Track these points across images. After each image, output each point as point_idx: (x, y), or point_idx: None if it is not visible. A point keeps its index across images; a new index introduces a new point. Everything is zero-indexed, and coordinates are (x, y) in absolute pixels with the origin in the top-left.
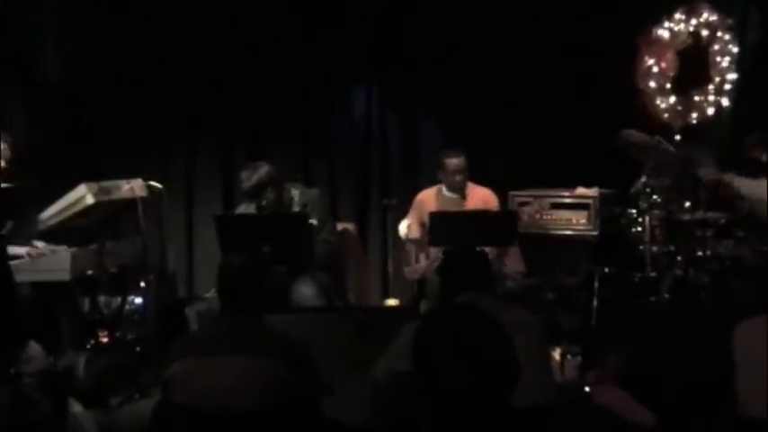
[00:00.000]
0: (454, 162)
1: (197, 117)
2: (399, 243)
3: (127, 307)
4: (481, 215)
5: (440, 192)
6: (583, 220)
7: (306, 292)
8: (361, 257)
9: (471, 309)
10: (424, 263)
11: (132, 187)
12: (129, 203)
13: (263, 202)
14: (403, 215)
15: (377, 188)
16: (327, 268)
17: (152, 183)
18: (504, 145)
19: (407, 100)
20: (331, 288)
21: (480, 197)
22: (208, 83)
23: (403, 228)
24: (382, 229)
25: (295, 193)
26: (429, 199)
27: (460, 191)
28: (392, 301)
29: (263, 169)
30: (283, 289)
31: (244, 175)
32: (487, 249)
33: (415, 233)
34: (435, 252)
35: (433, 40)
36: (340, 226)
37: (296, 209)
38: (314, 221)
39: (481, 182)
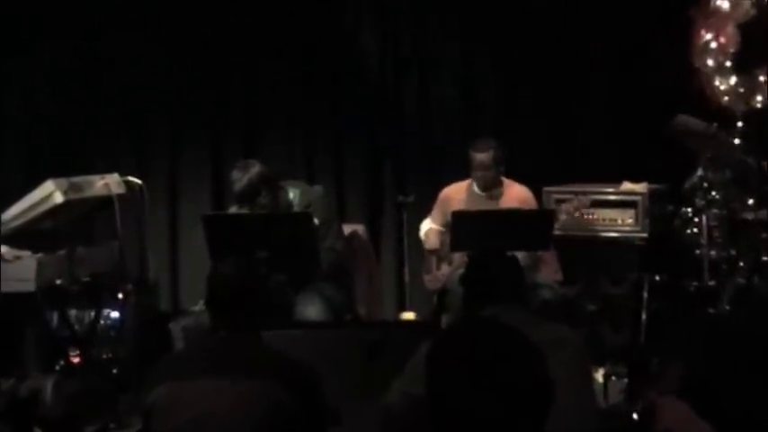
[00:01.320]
0: (477, 157)
1: (182, 102)
2: (418, 247)
3: (101, 322)
4: (512, 215)
5: (470, 188)
6: (629, 220)
7: (309, 304)
8: (372, 265)
9: (494, 322)
10: (446, 270)
11: (107, 183)
12: (104, 202)
13: (261, 203)
14: (423, 215)
15: (391, 183)
16: (334, 278)
17: (130, 178)
18: (537, 132)
19: (428, 79)
20: (338, 300)
21: (516, 196)
22: (194, 63)
23: (425, 228)
24: (398, 231)
25: (294, 192)
26: (456, 195)
27: (487, 188)
28: (409, 316)
29: (255, 169)
30: (283, 301)
31: (234, 176)
32: (519, 254)
33: (434, 242)
34: (459, 258)
35: (459, 13)
36: (348, 228)
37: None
38: (317, 224)
39: (509, 176)
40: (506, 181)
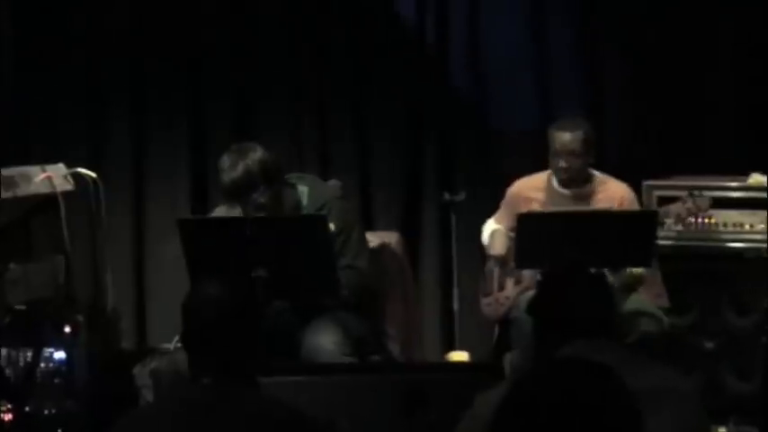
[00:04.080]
0: (562, 139)
1: (149, 69)
2: (471, 261)
3: (42, 365)
4: (600, 218)
5: (550, 182)
6: (761, 226)
7: (323, 341)
8: (409, 286)
9: (585, 368)
10: (511, 291)
11: (50, 177)
12: (45, 202)
13: (253, 206)
14: (476, 219)
15: (434, 177)
16: (356, 305)
17: (81, 170)
18: (630, 111)
19: (482, 40)
20: (363, 334)
21: (614, 196)
22: (164, 15)
23: (489, 229)
24: (443, 240)
25: (303, 190)
26: (532, 192)
27: (571, 182)
28: (460, 355)
29: (254, 155)
30: (289, 336)
31: (224, 162)
32: (609, 273)
33: (500, 246)
34: (529, 276)
35: None
36: (376, 238)
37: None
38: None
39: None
40: (599, 175)
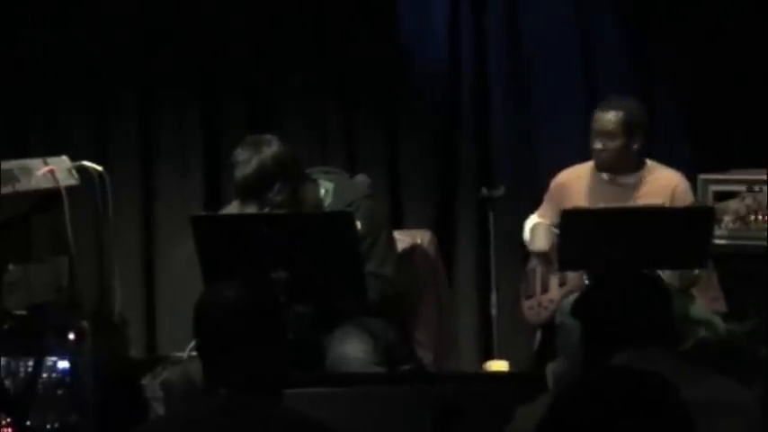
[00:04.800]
0: (599, 119)
1: (158, 57)
2: (511, 262)
3: (44, 375)
4: (653, 215)
5: (594, 171)
6: None
7: (350, 349)
8: (442, 290)
9: (636, 378)
10: (555, 293)
11: (52, 171)
12: (47, 198)
13: (274, 199)
14: (517, 215)
15: (470, 170)
16: (384, 312)
17: (86, 164)
18: (687, 99)
19: (522, 20)
20: (392, 342)
21: (665, 185)
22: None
23: (531, 224)
24: (480, 239)
25: (327, 186)
26: (576, 183)
27: (607, 166)
28: (499, 365)
29: (270, 149)
30: (311, 345)
31: (238, 156)
32: (663, 274)
33: (543, 241)
34: (575, 278)
35: None
36: (406, 238)
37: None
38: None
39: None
40: (650, 163)
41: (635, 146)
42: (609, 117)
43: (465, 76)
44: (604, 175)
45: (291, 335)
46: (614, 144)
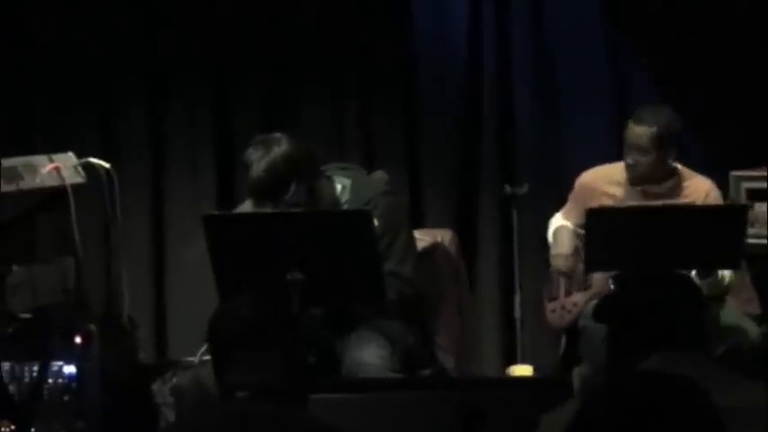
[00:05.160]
0: (634, 132)
1: (168, 48)
2: (535, 262)
3: (49, 381)
4: (683, 214)
5: (624, 180)
6: None
7: (368, 355)
8: (464, 291)
9: (666, 383)
10: (580, 297)
11: (57, 168)
12: (53, 197)
13: (291, 201)
14: (542, 214)
15: (492, 167)
16: (403, 314)
17: (93, 160)
18: (717, 94)
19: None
20: (411, 346)
21: (697, 193)
22: None
23: (555, 225)
24: (503, 238)
25: (344, 183)
26: (607, 184)
27: (640, 180)
28: (523, 369)
29: (280, 148)
30: (327, 349)
31: (250, 156)
32: (694, 276)
33: (567, 244)
34: (600, 281)
35: None
36: (426, 237)
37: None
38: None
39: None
40: (681, 170)
41: (669, 159)
42: (642, 132)
43: (487, 72)
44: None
45: (306, 338)
46: (647, 159)
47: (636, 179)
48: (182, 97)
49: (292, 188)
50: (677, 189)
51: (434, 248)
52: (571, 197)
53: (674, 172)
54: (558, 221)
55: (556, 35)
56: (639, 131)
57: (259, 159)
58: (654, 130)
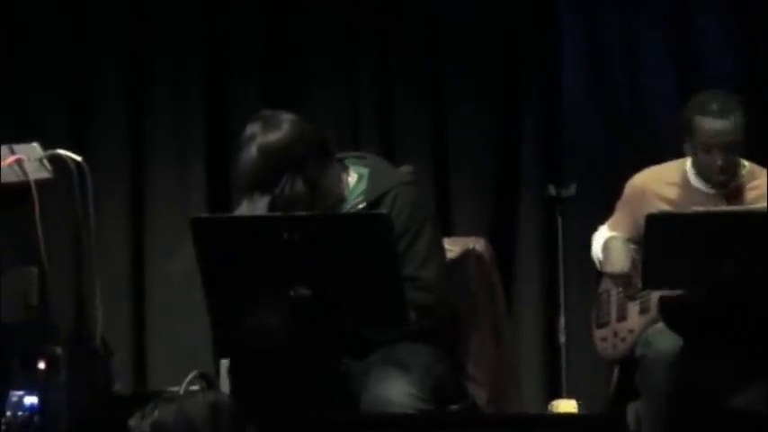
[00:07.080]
0: (716, 127)
1: (152, 19)
2: (584, 278)
3: (8, 413)
4: (757, 220)
5: (686, 176)
6: None
7: (393, 392)
8: (500, 309)
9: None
10: (635, 322)
11: (19, 161)
12: (13, 195)
13: (285, 194)
14: (592, 220)
15: (533, 166)
16: (427, 337)
17: (62, 152)
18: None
19: None
20: (438, 375)
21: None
22: None
23: (600, 239)
24: (546, 249)
25: (361, 172)
26: (662, 186)
27: (721, 183)
28: (567, 405)
29: (278, 131)
30: (342, 379)
31: (243, 135)
32: None
33: (621, 261)
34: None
35: None
36: (456, 246)
37: (357, 208)
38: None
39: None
40: (747, 165)
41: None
42: (730, 125)
43: (527, 73)
44: (699, 184)
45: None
46: (734, 155)
47: (725, 182)
48: (167, 79)
49: (284, 179)
50: (746, 186)
51: (464, 259)
52: (619, 205)
53: (743, 168)
54: (606, 233)
55: (611, 25)
56: (726, 126)
57: (248, 141)
58: (739, 118)
